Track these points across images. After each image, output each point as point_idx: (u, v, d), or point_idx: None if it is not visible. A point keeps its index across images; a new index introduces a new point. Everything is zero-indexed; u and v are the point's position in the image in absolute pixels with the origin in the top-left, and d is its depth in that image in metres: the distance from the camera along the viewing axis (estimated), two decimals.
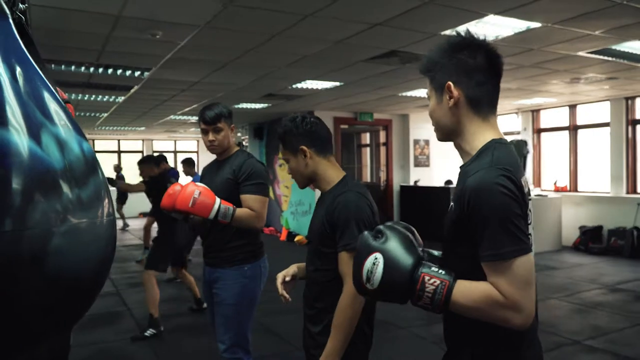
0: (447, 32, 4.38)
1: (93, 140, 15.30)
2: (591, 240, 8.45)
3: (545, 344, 4.60)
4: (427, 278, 1.15)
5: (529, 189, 1.29)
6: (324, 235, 1.87)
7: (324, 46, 4.83)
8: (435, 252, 1.42)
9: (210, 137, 2.73)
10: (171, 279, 6.76)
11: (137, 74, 5.88)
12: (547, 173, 9.74)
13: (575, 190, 9.20)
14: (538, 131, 9.74)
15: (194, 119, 10.27)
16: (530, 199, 1.29)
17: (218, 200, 2.52)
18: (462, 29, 4.30)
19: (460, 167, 1.33)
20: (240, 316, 2.70)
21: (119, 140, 15.88)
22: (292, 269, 2.02)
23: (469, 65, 1.29)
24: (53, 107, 1.04)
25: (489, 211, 1.14)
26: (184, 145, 16.90)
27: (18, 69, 1.02)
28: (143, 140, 16.11)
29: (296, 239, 9.96)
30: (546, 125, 9.73)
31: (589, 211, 8.71)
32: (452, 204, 1.29)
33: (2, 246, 0.90)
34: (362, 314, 1.82)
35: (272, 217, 11.25)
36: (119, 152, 15.85)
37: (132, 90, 6.97)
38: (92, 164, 1.07)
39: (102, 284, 1.15)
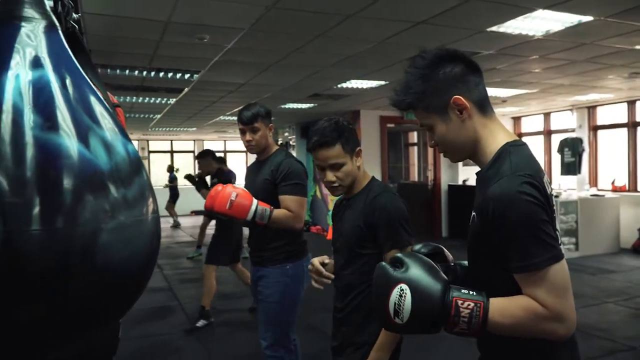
0: (493, 28, 4.30)
1: (147, 140, 15.85)
2: None
3: (599, 350, 4.44)
4: (459, 302, 1.10)
5: (551, 188, 1.26)
6: (362, 238, 1.89)
7: (367, 46, 4.83)
8: (466, 263, 1.40)
9: (248, 137, 2.76)
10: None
11: (187, 76, 6.07)
12: (604, 172, 9.35)
13: (635, 189, 8.78)
14: (594, 128, 9.36)
15: None
16: (552, 194, 1.26)
17: (255, 201, 2.54)
18: (508, 25, 4.19)
19: (477, 174, 1.29)
20: (282, 315, 2.73)
21: (171, 141, 16.39)
22: (325, 257, 2.03)
23: (457, 73, 1.26)
24: (100, 111, 1.12)
25: (516, 222, 1.11)
26: (234, 145, 17.24)
27: (67, 77, 1.11)
28: (194, 140, 16.56)
29: None
30: (603, 122, 9.34)
31: None
32: (473, 213, 1.24)
33: (55, 242, 0.98)
34: None
35: (319, 216, 11.33)
36: (172, 152, 16.35)
37: (183, 93, 7.20)
38: (136, 165, 1.15)
39: (148, 278, 1.22)
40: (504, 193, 1.13)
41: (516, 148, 1.24)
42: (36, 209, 0.97)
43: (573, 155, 9.34)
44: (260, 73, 5.95)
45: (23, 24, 1.11)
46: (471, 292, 1.12)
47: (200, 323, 4.80)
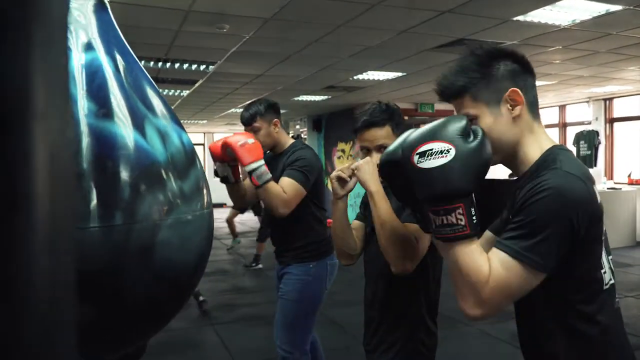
0: (519, 17, 4.20)
1: None
2: None
3: None
4: (460, 210, 1.03)
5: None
6: None
7: (388, 36, 4.73)
8: None
9: None
10: (247, 265, 6.94)
11: (202, 67, 5.99)
12: (620, 165, 9.23)
13: None
14: (611, 121, 9.23)
15: None
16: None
17: (263, 162, 2.39)
18: (534, 14, 4.08)
19: (516, 181, 1.21)
20: (298, 314, 2.63)
21: None
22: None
23: (516, 69, 1.20)
24: (153, 97, 1.05)
25: (555, 211, 1.03)
26: None
27: (120, 60, 1.03)
28: (204, 133, 16.49)
29: None
30: (620, 114, 9.21)
31: None
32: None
33: (113, 239, 0.90)
34: (424, 308, 1.77)
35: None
36: (192, 143, 16.25)
37: (197, 84, 7.12)
38: (191, 156, 1.07)
39: (202, 275, 1.15)
40: (560, 181, 1.05)
41: (564, 152, 1.17)
42: (93, 204, 0.89)
43: (589, 148, 9.21)
44: (277, 64, 5.86)
45: (72, 2, 1.03)
46: (474, 218, 1.05)
47: None
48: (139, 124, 0.97)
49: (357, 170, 1.70)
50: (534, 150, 1.19)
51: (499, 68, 1.18)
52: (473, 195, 1.07)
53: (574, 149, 9.45)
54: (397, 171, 1.14)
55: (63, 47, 0.36)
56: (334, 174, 1.83)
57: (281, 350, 2.63)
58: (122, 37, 1.10)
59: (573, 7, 4.00)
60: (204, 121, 13.09)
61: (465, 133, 1.06)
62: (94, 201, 0.89)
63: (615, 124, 9.25)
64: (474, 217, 1.05)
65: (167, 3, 3.72)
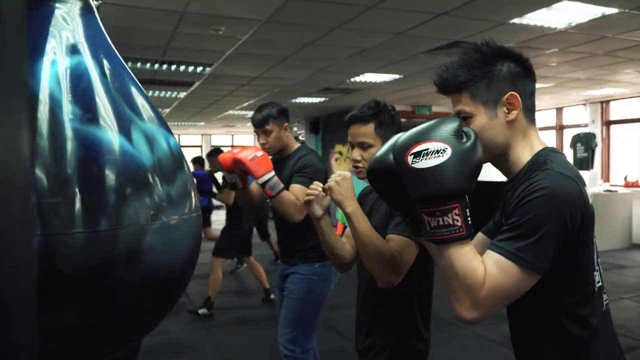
0: (515, 20, 4.20)
1: None
2: None
3: None
4: (456, 210, 1.01)
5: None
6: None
7: (385, 38, 4.74)
8: None
9: (261, 140, 2.72)
10: (234, 270, 6.95)
11: (199, 69, 5.99)
12: (617, 167, 9.25)
13: None
14: (607, 123, 9.24)
15: (252, 113, 10.40)
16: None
17: (274, 173, 2.45)
18: (530, 17, 4.08)
19: (507, 183, 1.21)
20: (304, 313, 2.67)
21: (179, 135, 16.31)
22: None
23: (519, 73, 1.19)
24: (140, 101, 1.04)
25: (550, 210, 1.03)
26: (241, 139, 17.15)
27: (106, 64, 1.02)
28: (202, 135, 16.47)
29: None
30: (617, 117, 9.23)
31: None
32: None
33: (98, 245, 0.90)
34: (417, 314, 1.77)
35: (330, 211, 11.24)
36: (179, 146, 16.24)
37: (194, 86, 7.11)
38: (178, 160, 1.06)
39: (189, 281, 1.14)
40: (553, 181, 1.05)
41: (556, 153, 1.17)
42: (78, 210, 0.89)
43: (586, 150, 9.23)
44: (274, 66, 5.87)
45: (57, 5, 1.02)
46: (469, 219, 1.04)
47: (202, 311, 4.94)
48: (125, 129, 0.96)
49: (330, 191, 1.63)
50: (525, 153, 1.19)
51: (502, 69, 1.17)
52: (467, 196, 1.07)
53: (570, 152, 9.47)
54: (385, 174, 1.14)
55: (19, 52, 0.35)
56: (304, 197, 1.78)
57: (284, 348, 2.66)
58: (109, 41, 1.09)
59: (570, 9, 4.01)
60: (202, 123, 13.09)
61: (458, 134, 1.05)
62: (79, 206, 0.88)
63: (612, 127, 9.27)
64: (469, 218, 1.04)
65: (162, 5, 3.72)
